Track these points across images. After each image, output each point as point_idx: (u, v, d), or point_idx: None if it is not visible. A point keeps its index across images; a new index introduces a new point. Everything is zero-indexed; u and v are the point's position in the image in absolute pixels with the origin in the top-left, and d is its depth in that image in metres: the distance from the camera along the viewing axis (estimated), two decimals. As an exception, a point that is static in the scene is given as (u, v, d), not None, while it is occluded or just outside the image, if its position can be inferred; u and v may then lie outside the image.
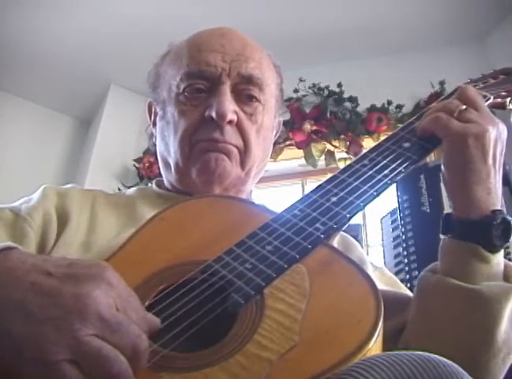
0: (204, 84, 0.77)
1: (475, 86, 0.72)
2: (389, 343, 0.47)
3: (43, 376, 0.36)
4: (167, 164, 0.83)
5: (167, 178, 0.85)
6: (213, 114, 0.74)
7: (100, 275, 0.40)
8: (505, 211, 0.61)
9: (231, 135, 0.76)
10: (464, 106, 0.62)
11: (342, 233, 0.80)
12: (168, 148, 0.80)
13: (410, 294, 0.74)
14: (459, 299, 0.57)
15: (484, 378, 0.56)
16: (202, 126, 0.76)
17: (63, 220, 0.71)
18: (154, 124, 0.87)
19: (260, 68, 0.80)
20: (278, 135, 0.94)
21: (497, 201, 0.61)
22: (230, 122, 0.75)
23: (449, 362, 0.39)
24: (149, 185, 0.90)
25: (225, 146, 0.75)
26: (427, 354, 0.40)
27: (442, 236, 0.64)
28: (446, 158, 0.63)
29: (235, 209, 0.65)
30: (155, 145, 0.87)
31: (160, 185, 0.87)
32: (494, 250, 0.59)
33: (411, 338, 0.61)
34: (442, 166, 0.64)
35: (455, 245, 0.61)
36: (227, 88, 0.76)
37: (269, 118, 0.82)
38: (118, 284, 0.41)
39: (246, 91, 0.78)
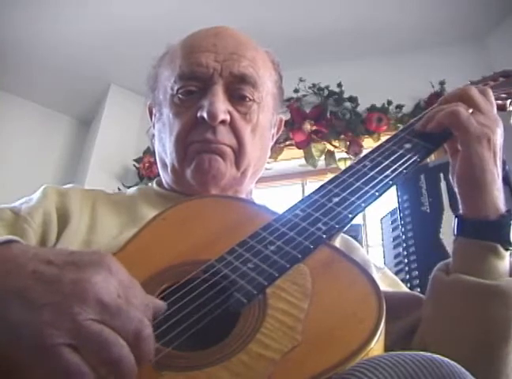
0: (196, 85, 0.77)
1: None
2: (399, 344, 0.47)
3: (42, 361, 0.35)
4: (164, 165, 0.83)
5: (165, 178, 0.85)
6: (204, 115, 0.74)
7: (100, 261, 0.40)
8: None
9: (224, 135, 0.75)
10: (470, 110, 0.63)
11: (344, 235, 0.80)
12: (165, 149, 0.81)
13: (413, 293, 0.75)
14: (479, 296, 0.58)
15: (504, 371, 0.56)
16: (196, 127, 0.76)
17: (64, 220, 0.71)
18: (154, 125, 0.88)
19: (254, 66, 0.79)
20: (280, 133, 0.93)
21: (503, 199, 0.62)
22: (222, 122, 0.75)
23: (453, 362, 0.39)
24: (150, 184, 0.90)
25: (218, 147, 0.75)
26: (430, 354, 0.40)
27: (454, 236, 0.64)
28: (462, 158, 0.63)
29: (237, 209, 0.65)
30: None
31: (160, 184, 0.87)
32: (509, 248, 0.60)
33: (429, 339, 0.61)
34: (458, 166, 0.63)
35: (472, 245, 0.61)
36: (218, 88, 0.76)
37: (265, 116, 0.82)
38: (118, 271, 0.41)
39: (239, 90, 0.78)
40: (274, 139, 0.91)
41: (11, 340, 0.36)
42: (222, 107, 0.74)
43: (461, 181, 0.63)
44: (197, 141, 0.76)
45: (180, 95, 0.78)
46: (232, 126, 0.77)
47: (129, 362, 0.37)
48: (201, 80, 0.77)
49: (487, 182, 0.61)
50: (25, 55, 2.83)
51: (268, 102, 0.83)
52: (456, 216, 0.64)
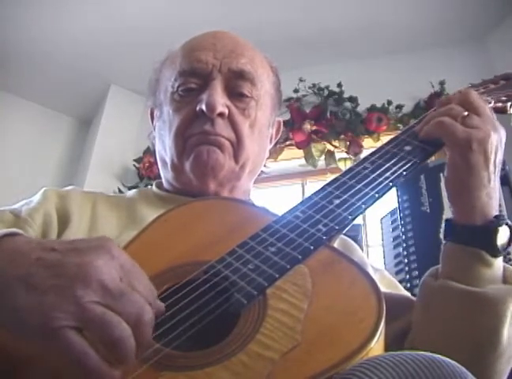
0: (196, 82, 0.79)
1: (475, 91, 0.72)
2: (393, 346, 0.47)
3: (47, 343, 0.36)
4: (164, 163, 0.84)
5: (165, 176, 0.86)
6: (203, 107, 0.75)
7: (102, 246, 0.41)
8: (505, 211, 0.61)
9: (222, 127, 0.77)
10: (466, 113, 0.63)
11: (342, 236, 0.80)
12: (165, 146, 0.82)
13: (410, 296, 0.75)
14: (465, 303, 0.58)
15: (494, 377, 0.57)
16: (195, 121, 0.77)
17: (64, 221, 0.71)
18: (155, 128, 0.89)
19: (251, 64, 0.81)
20: (279, 135, 0.94)
21: (496, 206, 0.62)
22: (221, 115, 0.76)
23: (454, 362, 0.39)
24: (149, 187, 0.91)
25: (217, 138, 0.76)
26: (431, 354, 0.40)
27: (443, 240, 0.64)
28: (450, 163, 0.63)
29: (238, 211, 0.66)
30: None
31: (159, 186, 0.88)
32: (497, 255, 0.60)
33: (417, 342, 0.61)
34: (446, 172, 0.63)
35: (459, 250, 0.61)
36: (217, 83, 0.77)
37: (263, 113, 0.83)
38: (120, 255, 0.42)
39: (237, 86, 0.79)
40: (273, 141, 0.92)
41: (18, 325, 0.37)
42: (220, 100, 0.76)
43: (447, 185, 0.64)
44: (195, 134, 0.77)
45: (180, 92, 0.79)
46: (231, 120, 0.78)
47: (130, 344, 0.38)
48: (201, 77, 0.78)
49: (473, 187, 0.60)
50: (26, 56, 2.83)
51: (266, 100, 0.84)
52: (445, 220, 0.64)
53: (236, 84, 0.79)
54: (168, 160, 0.81)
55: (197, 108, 0.76)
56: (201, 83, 0.78)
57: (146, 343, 0.40)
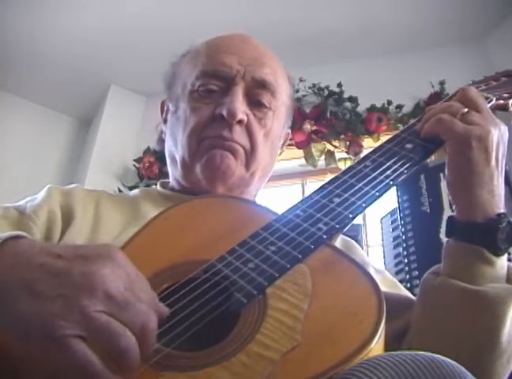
0: (218, 85, 0.79)
1: (477, 88, 0.72)
2: (393, 345, 0.47)
3: (52, 352, 0.36)
4: (173, 160, 0.84)
5: (173, 174, 0.86)
6: (224, 112, 0.75)
7: (108, 255, 0.41)
8: (504, 210, 0.61)
9: (239, 134, 0.77)
10: (465, 110, 0.63)
11: (344, 237, 0.81)
12: (176, 144, 0.82)
13: (412, 296, 0.75)
14: (464, 301, 0.57)
15: (491, 378, 0.56)
16: (212, 124, 0.77)
17: (67, 218, 0.71)
18: (165, 121, 0.89)
19: (274, 75, 0.81)
20: (286, 145, 0.96)
21: (500, 203, 0.61)
22: (239, 122, 0.77)
23: (453, 362, 0.39)
24: (153, 186, 0.91)
25: (232, 144, 0.77)
26: (431, 354, 0.40)
27: (446, 238, 0.64)
28: (450, 160, 0.63)
29: (238, 209, 0.66)
30: (163, 141, 0.88)
31: (164, 186, 0.88)
32: (498, 253, 0.59)
33: (415, 339, 0.61)
34: (446, 169, 0.63)
35: (460, 248, 0.61)
36: (239, 90, 0.78)
37: (278, 124, 0.84)
38: (125, 264, 0.42)
39: (258, 95, 0.80)
40: (280, 151, 0.94)
41: (21, 332, 0.37)
42: (241, 107, 0.77)
43: (448, 184, 0.63)
44: (211, 137, 0.77)
45: (200, 92, 0.79)
46: (247, 128, 0.78)
47: (135, 353, 0.38)
48: (223, 80, 0.78)
49: (474, 185, 0.60)
50: (26, 56, 2.83)
51: (282, 111, 0.85)
52: (448, 217, 0.64)
53: (257, 93, 0.80)
54: (179, 158, 0.81)
55: (217, 112, 0.77)
56: (223, 86, 0.79)
57: (150, 351, 0.40)
